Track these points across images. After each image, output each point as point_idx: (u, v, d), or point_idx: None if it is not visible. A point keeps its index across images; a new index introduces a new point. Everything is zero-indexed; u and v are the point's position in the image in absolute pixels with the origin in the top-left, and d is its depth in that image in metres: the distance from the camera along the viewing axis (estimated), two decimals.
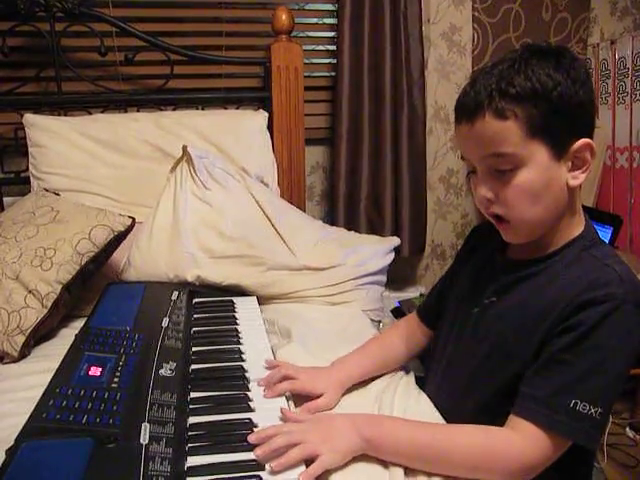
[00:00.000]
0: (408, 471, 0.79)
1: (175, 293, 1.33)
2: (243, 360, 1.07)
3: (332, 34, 2.12)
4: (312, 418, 0.87)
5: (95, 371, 0.91)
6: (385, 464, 0.80)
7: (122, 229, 1.39)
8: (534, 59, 0.77)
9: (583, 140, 0.78)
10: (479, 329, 0.89)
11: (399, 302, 2.02)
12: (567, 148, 0.78)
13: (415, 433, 0.80)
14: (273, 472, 0.74)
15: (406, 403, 0.94)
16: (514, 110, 0.76)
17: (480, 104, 0.78)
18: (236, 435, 0.82)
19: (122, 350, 1.00)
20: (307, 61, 2.04)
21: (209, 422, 0.85)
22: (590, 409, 0.73)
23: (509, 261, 0.90)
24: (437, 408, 0.92)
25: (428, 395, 0.97)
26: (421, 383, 1.03)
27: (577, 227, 0.84)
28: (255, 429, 0.83)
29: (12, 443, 0.73)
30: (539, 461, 0.76)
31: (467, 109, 0.80)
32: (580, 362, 0.74)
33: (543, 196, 0.79)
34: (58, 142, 1.70)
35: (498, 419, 0.80)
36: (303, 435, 0.78)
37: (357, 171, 2.08)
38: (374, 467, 0.79)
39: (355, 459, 0.79)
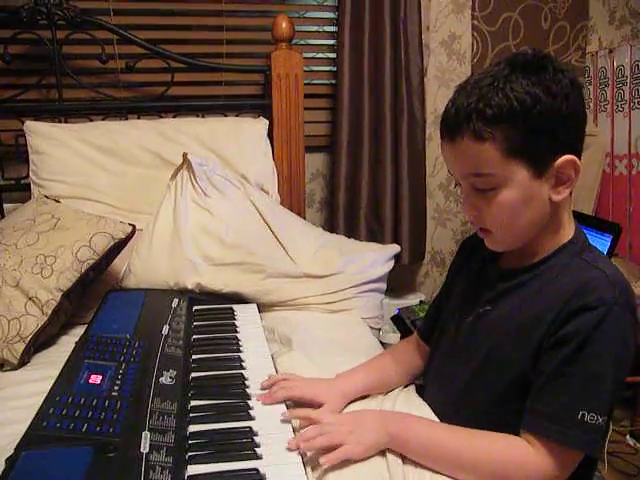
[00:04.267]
0: (407, 469, 0.79)
1: (175, 300, 1.34)
2: (243, 368, 1.07)
3: (332, 42, 2.13)
4: (343, 413, 0.91)
5: (95, 379, 0.91)
6: (384, 462, 0.80)
7: (122, 236, 1.39)
8: (514, 75, 0.76)
9: (566, 157, 0.78)
10: (474, 338, 0.89)
11: (399, 309, 2.01)
12: (549, 165, 0.78)
13: (441, 435, 0.81)
14: (298, 448, 0.80)
15: (407, 411, 0.94)
16: (492, 132, 0.76)
17: (459, 125, 0.78)
18: (236, 444, 0.82)
19: (122, 358, 1.00)
20: (307, 69, 2.05)
21: (209, 430, 0.85)
22: (598, 419, 0.73)
23: (501, 270, 0.90)
24: (436, 417, 0.92)
25: (428, 404, 0.96)
26: (421, 392, 1.03)
27: (566, 234, 0.85)
28: (255, 437, 0.83)
29: (12, 452, 0.72)
30: (557, 476, 0.76)
31: (448, 128, 0.81)
32: (581, 373, 0.75)
33: (524, 213, 0.80)
34: (59, 149, 1.71)
35: (495, 427, 0.80)
36: (331, 427, 0.81)
37: (357, 178, 2.08)
38: (373, 466, 0.80)
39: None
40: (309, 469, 0.79)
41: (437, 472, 0.79)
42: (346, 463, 0.79)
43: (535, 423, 0.77)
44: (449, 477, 0.78)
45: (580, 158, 0.80)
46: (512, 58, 0.79)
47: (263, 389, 0.99)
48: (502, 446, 0.78)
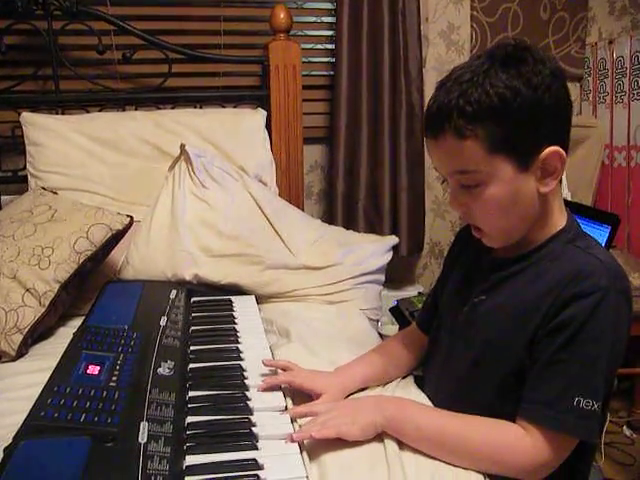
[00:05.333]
0: (404, 457, 0.79)
1: (173, 292, 1.34)
2: (241, 359, 1.07)
3: (330, 33, 2.12)
4: (339, 401, 0.91)
5: (93, 370, 0.91)
6: (382, 450, 0.80)
7: (120, 228, 1.39)
8: (493, 69, 0.75)
9: (550, 148, 0.77)
10: (470, 328, 0.89)
11: (397, 301, 2.01)
12: (534, 158, 0.77)
13: (436, 419, 0.82)
14: (293, 441, 0.80)
15: None
16: (473, 129, 0.75)
17: (441, 123, 0.77)
18: (234, 434, 0.82)
19: (120, 349, 1.00)
20: (305, 60, 2.04)
21: (207, 421, 0.85)
22: (593, 405, 0.74)
23: (495, 260, 0.90)
24: (436, 406, 0.91)
25: (427, 396, 0.96)
26: (420, 383, 1.03)
27: (559, 222, 0.85)
28: (253, 428, 0.83)
29: (10, 442, 0.72)
30: (551, 461, 0.77)
31: (430, 126, 0.80)
32: (577, 359, 0.75)
33: (512, 207, 0.80)
34: (56, 141, 1.70)
35: (494, 417, 0.80)
36: (327, 414, 0.82)
37: (355, 170, 2.08)
38: (371, 455, 0.80)
39: (351, 447, 0.80)
40: (307, 459, 0.79)
41: (433, 457, 0.79)
42: (344, 450, 0.79)
43: (530, 410, 0.77)
44: (447, 463, 0.79)
45: (567, 148, 0.80)
46: (491, 51, 0.79)
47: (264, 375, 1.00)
48: (497, 432, 0.79)
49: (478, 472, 0.78)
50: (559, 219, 0.85)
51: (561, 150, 0.78)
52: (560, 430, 0.75)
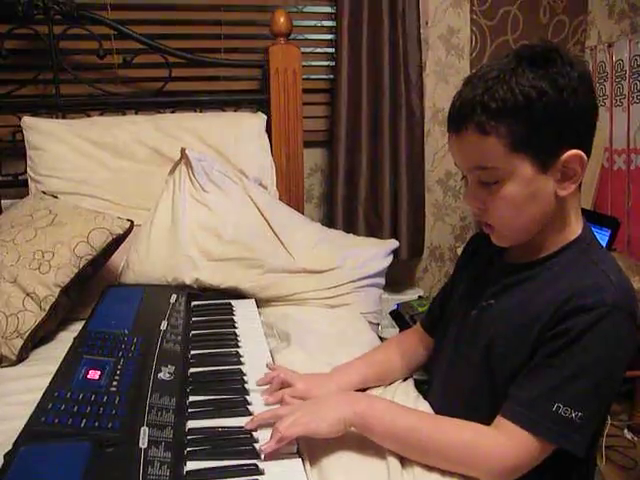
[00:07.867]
0: (405, 462, 0.79)
1: (174, 296, 1.33)
2: (242, 363, 1.07)
3: (330, 37, 2.12)
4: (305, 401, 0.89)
5: (94, 374, 0.91)
6: (383, 456, 0.80)
7: (120, 232, 1.39)
8: (520, 68, 0.75)
9: (572, 151, 0.76)
10: (477, 331, 0.89)
11: (398, 305, 2.01)
12: (554, 160, 0.77)
13: (405, 417, 0.81)
14: (265, 456, 0.77)
15: (405, 404, 0.93)
16: (496, 125, 0.75)
17: (463, 117, 0.78)
18: (235, 439, 0.82)
19: (121, 353, 0.99)
20: (305, 64, 2.04)
21: (208, 426, 0.85)
22: (571, 413, 0.73)
23: (507, 264, 0.90)
24: (442, 412, 0.91)
25: (433, 400, 0.96)
26: (422, 386, 1.03)
27: (574, 230, 0.84)
28: (254, 433, 0.83)
29: (10, 447, 0.72)
30: (523, 463, 0.76)
31: (453, 120, 0.81)
32: (565, 367, 0.75)
33: (528, 207, 0.79)
34: (56, 145, 1.70)
35: None
36: (292, 415, 0.80)
37: (355, 173, 2.08)
38: (371, 460, 0.80)
39: (352, 452, 0.80)
40: (308, 465, 0.79)
41: (435, 467, 0.79)
42: (345, 455, 0.79)
43: (510, 408, 0.77)
44: (450, 473, 0.78)
45: (589, 152, 0.79)
46: (520, 50, 0.79)
47: (260, 388, 0.98)
48: (469, 433, 0.78)
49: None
50: (575, 226, 0.84)
51: (583, 154, 0.77)
52: (532, 431, 0.75)
